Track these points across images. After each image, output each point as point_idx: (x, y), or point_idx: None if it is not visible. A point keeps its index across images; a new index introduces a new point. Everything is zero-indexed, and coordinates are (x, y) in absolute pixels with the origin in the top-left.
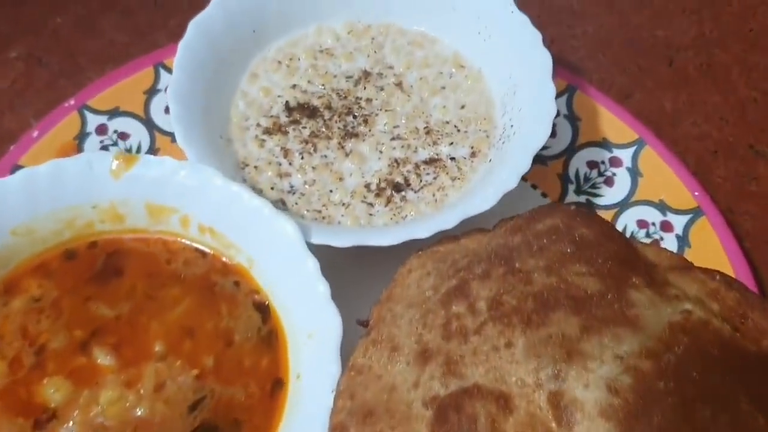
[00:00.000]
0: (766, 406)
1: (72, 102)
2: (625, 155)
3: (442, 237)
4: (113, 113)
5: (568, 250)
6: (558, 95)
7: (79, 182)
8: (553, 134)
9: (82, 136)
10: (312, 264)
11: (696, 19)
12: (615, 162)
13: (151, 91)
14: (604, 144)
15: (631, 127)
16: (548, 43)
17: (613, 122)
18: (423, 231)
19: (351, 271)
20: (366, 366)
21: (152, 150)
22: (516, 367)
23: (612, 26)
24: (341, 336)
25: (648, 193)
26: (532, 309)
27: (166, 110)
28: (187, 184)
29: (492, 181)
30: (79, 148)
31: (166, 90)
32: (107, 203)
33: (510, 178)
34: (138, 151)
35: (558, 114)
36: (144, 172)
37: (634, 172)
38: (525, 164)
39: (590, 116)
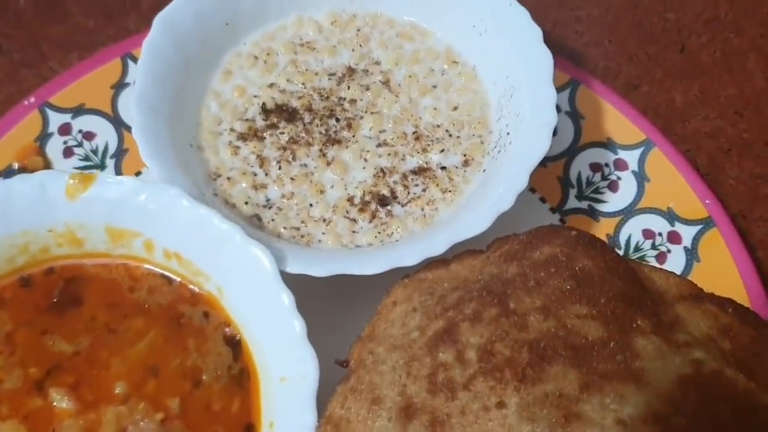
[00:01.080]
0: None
1: (32, 99)
2: (631, 157)
3: (431, 262)
4: (78, 111)
5: (568, 287)
6: (560, 89)
7: (31, 205)
8: (554, 132)
9: (43, 137)
10: (287, 299)
11: (711, 0)
12: (620, 165)
13: (119, 86)
14: (608, 144)
15: (638, 125)
16: (550, 26)
17: (618, 120)
18: (409, 257)
19: (330, 301)
20: (344, 419)
21: (120, 150)
22: None
23: (619, 8)
24: (317, 382)
25: (655, 200)
26: (526, 362)
27: None
28: (149, 206)
29: (486, 196)
30: (41, 151)
31: (134, 83)
32: (63, 227)
33: (505, 198)
34: (105, 152)
35: (559, 110)
36: (102, 193)
37: (641, 177)
38: (522, 182)
39: (594, 113)
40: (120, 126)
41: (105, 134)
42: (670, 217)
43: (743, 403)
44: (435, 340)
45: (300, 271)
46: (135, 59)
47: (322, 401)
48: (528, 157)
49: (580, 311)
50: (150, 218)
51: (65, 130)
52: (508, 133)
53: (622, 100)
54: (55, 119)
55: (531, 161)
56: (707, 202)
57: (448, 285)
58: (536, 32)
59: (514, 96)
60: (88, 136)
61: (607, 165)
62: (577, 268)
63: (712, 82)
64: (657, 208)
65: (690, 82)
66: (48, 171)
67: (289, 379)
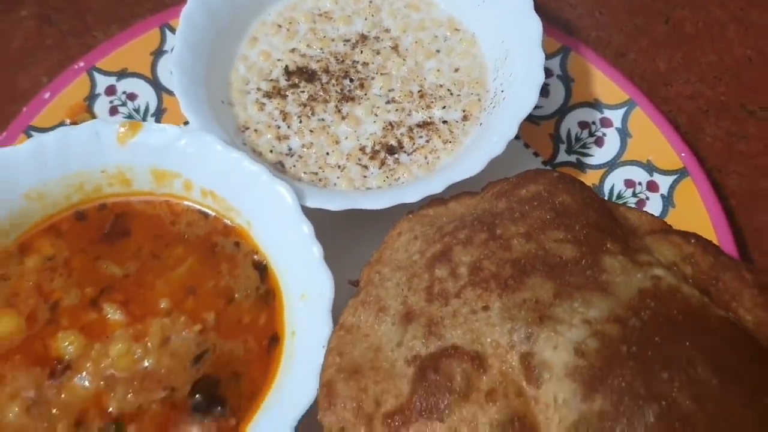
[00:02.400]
0: (721, 369)
1: (81, 64)
2: (616, 116)
3: (432, 200)
4: (121, 74)
5: (548, 217)
6: (552, 55)
7: (86, 149)
8: (546, 94)
9: (91, 98)
10: (307, 228)
11: None
12: (605, 122)
13: (158, 53)
14: (595, 105)
15: (623, 88)
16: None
17: (605, 83)
18: (413, 195)
19: (344, 232)
20: (355, 326)
21: (159, 110)
22: (491, 330)
23: None
24: (333, 297)
25: (636, 154)
26: (509, 275)
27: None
28: (188, 150)
29: (481, 146)
30: (89, 109)
31: (172, 51)
32: (114, 168)
33: (498, 144)
34: (146, 111)
35: (552, 74)
36: (148, 139)
37: (624, 133)
38: (512, 131)
39: (583, 77)
40: (159, 88)
41: (146, 95)
42: (650, 168)
43: (696, 312)
44: (432, 260)
45: (317, 205)
46: (172, 29)
47: (336, 314)
48: (518, 110)
49: (558, 236)
50: (189, 161)
51: (111, 91)
52: (502, 91)
53: (609, 65)
54: (102, 81)
55: (520, 114)
56: (683, 154)
57: (446, 219)
58: (528, 2)
59: (508, 59)
60: (131, 96)
61: (593, 123)
62: (557, 202)
63: (694, 50)
64: (638, 160)
65: (674, 50)
66: (101, 119)
67: (308, 296)
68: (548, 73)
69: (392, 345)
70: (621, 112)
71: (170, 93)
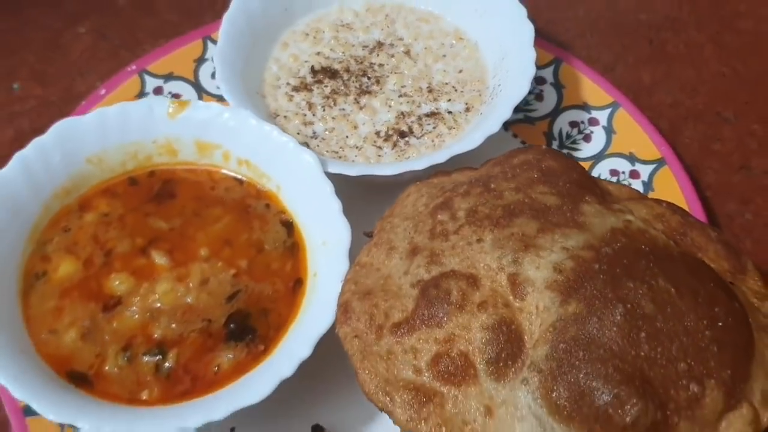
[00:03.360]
0: (679, 283)
1: (133, 67)
2: (602, 116)
3: (437, 172)
4: (168, 77)
5: (535, 176)
6: (546, 66)
7: (141, 121)
8: (541, 99)
9: (141, 95)
10: (328, 187)
11: (676, 3)
12: (593, 122)
13: (200, 60)
14: (584, 107)
15: (609, 92)
16: (543, 23)
17: (593, 89)
18: (419, 164)
19: (360, 201)
20: (368, 263)
21: None
22: (484, 256)
23: (600, 10)
24: (350, 242)
25: (620, 147)
26: (500, 215)
27: (212, 76)
28: (229, 124)
29: (480, 127)
30: None
31: (212, 59)
32: (164, 139)
33: (494, 124)
34: None
35: (545, 81)
36: (194, 114)
37: (609, 130)
38: (507, 113)
39: (573, 84)
40: (200, 90)
41: (188, 95)
42: (632, 159)
43: (661, 246)
44: (435, 209)
45: (337, 171)
46: (213, 41)
47: (352, 259)
48: (513, 97)
49: (543, 190)
50: (228, 134)
51: (158, 91)
52: (499, 85)
53: (596, 73)
54: (151, 82)
55: (515, 100)
56: (661, 147)
57: (448, 183)
58: (522, 10)
59: (505, 59)
60: (176, 96)
61: (582, 122)
62: (543, 166)
63: (674, 67)
64: (621, 153)
65: (656, 66)
66: (155, 96)
67: (328, 243)
68: (542, 80)
69: (400, 273)
70: (607, 112)
71: (209, 94)
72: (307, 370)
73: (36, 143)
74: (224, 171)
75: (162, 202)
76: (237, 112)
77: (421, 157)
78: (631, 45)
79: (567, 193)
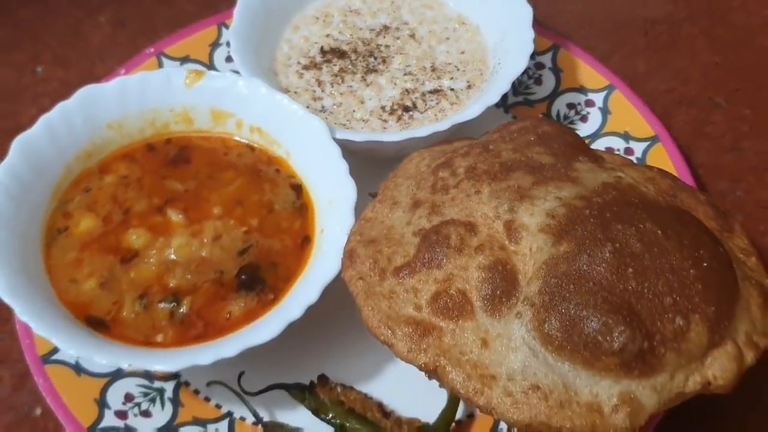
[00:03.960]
0: (666, 226)
1: (151, 50)
2: (598, 98)
3: (440, 141)
4: (184, 59)
5: (532, 138)
6: (545, 52)
7: (160, 90)
8: (539, 83)
9: None
10: (335, 150)
11: (671, 0)
12: (589, 103)
13: (215, 44)
14: (581, 90)
15: (605, 76)
16: (542, 17)
17: (589, 73)
18: (422, 132)
19: (366, 174)
20: (373, 217)
21: None
22: (481, 206)
23: (597, 5)
24: (355, 199)
25: (615, 127)
26: (498, 170)
27: (227, 59)
28: (242, 93)
29: (480, 100)
30: None
31: (227, 44)
32: (181, 107)
33: (494, 96)
34: None
35: (543, 66)
36: (210, 83)
37: (605, 111)
38: (506, 86)
39: (571, 69)
40: None
41: None
42: (626, 137)
43: (651, 198)
44: (437, 167)
45: (344, 137)
46: (227, 26)
47: (357, 216)
48: (511, 72)
49: (539, 150)
50: (242, 102)
51: None
52: (499, 63)
53: (593, 59)
54: (168, 65)
55: (513, 74)
56: (655, 127)
57: (449, 148)
58: None
59: (504, 40)
60: None
61: (579, 104)
62: (539, 131)
63: (668, 56)
64: (616, 132)
65: (651, 56)
66: (173, 67)
67: (335, 201)
68: (541, 66)
69: (403, 224)
70: (602, 95)
71: None
72: (315, 323)
73: (61, 107)
74: (237, 138)
75: (178, 166)
76: (249, 81)
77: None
78: (627, 37)
79: (561, 153)
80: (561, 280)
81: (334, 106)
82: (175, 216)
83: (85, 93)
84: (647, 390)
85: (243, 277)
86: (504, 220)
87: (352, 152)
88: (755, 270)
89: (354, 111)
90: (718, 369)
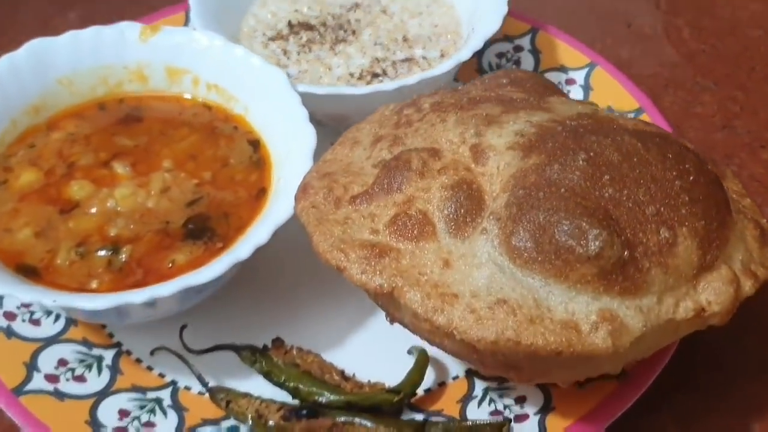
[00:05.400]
0: (646, 139)
1: None
2: (579, 75)
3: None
4: None
5: (504, 81)
6: (523, 35)
7: (113, 45)
8: (518, 64)
9: None
10: (294, 99)
11: None
12: (570, 82)
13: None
14: (561, 69)
15: (586, 54)
16: (524, 9)
17: (569, 53)
18: (390, 86)
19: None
20: (332, 159)
21: None
22: (446, 133)
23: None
24: (315, 147)
25: (597, 102)
26: (465, 102)
27: None
28: (198, 47)
29: (452, 58)
30: None
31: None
32: (135, 65)
33: (465, 53)
34: None
35: (522, 49)
36: (165, 39)
37: (586, 88)
38: (479, 44)
39: (550, 50)
40: None
41: None
42: (610, 111)
43: (629, 125)
44: (402, 107)
45: (305, 90)
46: None
47: None
48: (484, 33)
49: (511, 89)
50: (198, 57)
51: None
52: (473, 30)
53: (573, 39)
54: None
55: (485, 34)
56: (640, 99)
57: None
58: None
59: (477, 9)
60: None
61: (559, 83)
62: (512, 75)
63: (653, 45)
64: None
65: (635, 45)
66: (127, 22)
67: (294, 150)
68: (519, 48)
69: (362, 158)
70: (583, 72)
71: None
72: (272, 287)
73: (8, 57)
74: (194, 97)
75: (129, 124)
76: (205, 35)
77: None
78: (609, 28)
79: (534, 92)
80: (530, 190)
81: (300, 73)
82: (121, 169)
83: (34, 45)
84: (631, 310)
85: (190, 226)
86: (470, 144)
87: (318, 122)
88: (750, 209)
89: (321, 77)
90: (711, 293)
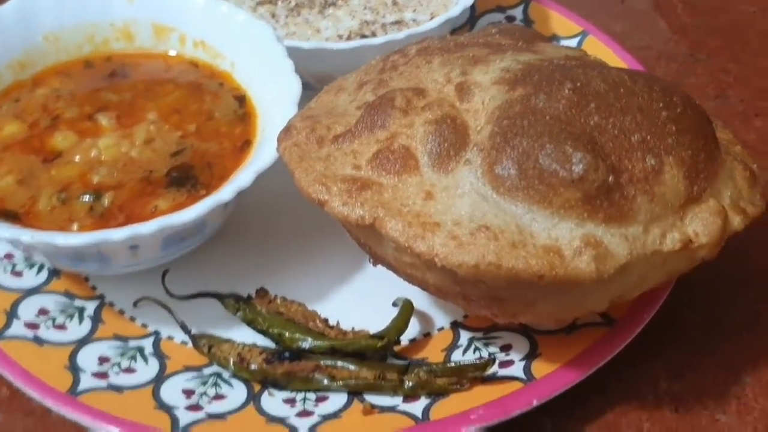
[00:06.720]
0: (634, 75)
1: None
2: (572, 44)
3: None
4: None
5: (494, 31)
6: (516, 5)
7: (100, 3)
8: None
9: None
10: (280, 51)
11: None
12: None
13: None
14: (553, 38)
15: (578, 23)
16: None
17: (562, 22)
18: (377, 41)
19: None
20: (316, 106)
21: None
22: (432, 74)
23: None
24: (299, 93)
25: None
26: (452, 46)
27: None
28: (184, 5)
29: (442, 16)
30: None
31: None
32: (121, 22)
33: (456, 10)
34: None
35: (515, 19)
36: None
37: None
38: (469, 2)
39: (543, 19)
40: None
41: None
42: None
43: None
44: (389, 55)
45: (292, 45)
46: None
47: None
48: None
49: (500, 38)
50: (184, 14)
51: None
52: None
53: (565, 8)
54: None
55: None
56: (633, 66)
57: None
58: None
59: None
60: None
61: None
62: (501, 27)
63: (646, 20)
64: None
65: (628, 20)
66: None
67: (278, 100)
68: (511, 18)
69: (346, 102)
70: (576, 40)
71: None
72: (256, 238)
73: None
74: (180, 54)
75: (114, 81)
76: None
77: None
78: (603, 3)
79: (522, 39)
80: (514, 119)
81: (287, 36)
82: (105, 121)
83: (20, 1)
84: (616, 238)
85: (174, 174)
86: (456, 82)
87: (305, 84)
88: (741, 154)
89: (308, 39)
90: (699, 224)
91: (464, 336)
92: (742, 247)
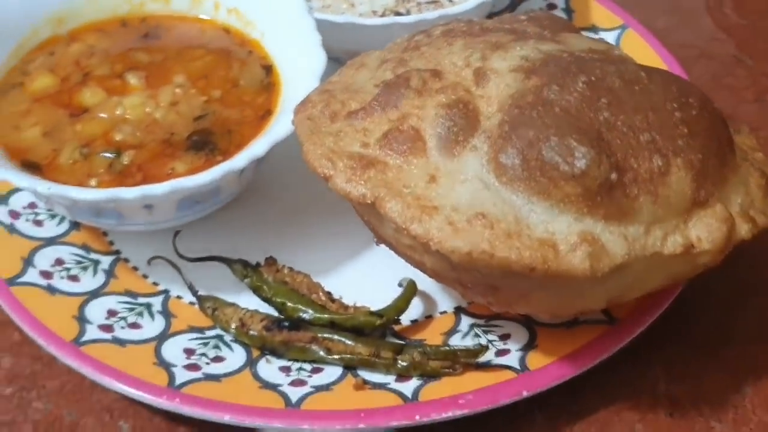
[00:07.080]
0: (651, 72)
1: None
2: (610, 37)
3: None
4: None
5: (523, 18)
6: None
7: None
8: None
9: None
10: (310, 23)
11: None
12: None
13: None
14: (592, 29)
15: (618, 15)
16: None
17: (603, 13)
18: (409, 19)
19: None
20: (337, 80)
21: None
22: (451, 56)
23: None
24: (324, 67)
25: None
26: (476, 31)
27: None
28: None
29: None
30: None
31: None
32: None
33: None
34: None
35: (556, 7)
36: None
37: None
38: None
39: (584, 9)
40: None
41: None
42: None
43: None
44: (414, 34)
45: (323, 18)
46: None
47: None
48: None
49: (528, 25)
50: None
51: None
52: None
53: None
54: None
55: None
56: (671, 65)
57: None
58: None
59: None
60: None
61: None
62: (532, 14)
63: (691, 17)
64: None
65: (672, 15)
66: None
67: (303, 72)
68: (553, 6)
69: (366, 79)
70: (615, 33)
71: None
72: (270, 208)
73: None
74: (213, 20)
75: (147, 42)
76: None
77: None
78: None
79: (548, 27)
80: (524, 109)
81: (323, 8)
82: (134, 80)
83: None
84: (615, 236)
85: (194, 138)
86: (474, 67)
87: (337, 59)
88: (760, 162)
89: (343, 13)
90: (703, 229)
91: (465, 322)
92: (758, 255)
